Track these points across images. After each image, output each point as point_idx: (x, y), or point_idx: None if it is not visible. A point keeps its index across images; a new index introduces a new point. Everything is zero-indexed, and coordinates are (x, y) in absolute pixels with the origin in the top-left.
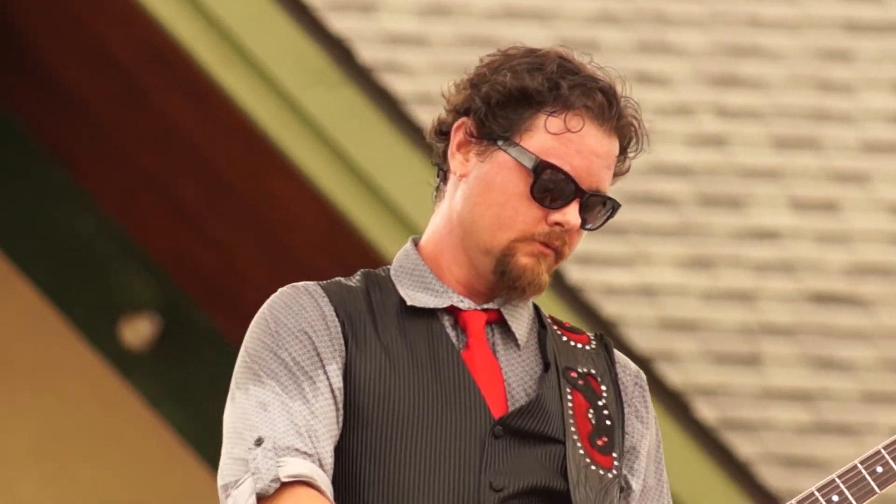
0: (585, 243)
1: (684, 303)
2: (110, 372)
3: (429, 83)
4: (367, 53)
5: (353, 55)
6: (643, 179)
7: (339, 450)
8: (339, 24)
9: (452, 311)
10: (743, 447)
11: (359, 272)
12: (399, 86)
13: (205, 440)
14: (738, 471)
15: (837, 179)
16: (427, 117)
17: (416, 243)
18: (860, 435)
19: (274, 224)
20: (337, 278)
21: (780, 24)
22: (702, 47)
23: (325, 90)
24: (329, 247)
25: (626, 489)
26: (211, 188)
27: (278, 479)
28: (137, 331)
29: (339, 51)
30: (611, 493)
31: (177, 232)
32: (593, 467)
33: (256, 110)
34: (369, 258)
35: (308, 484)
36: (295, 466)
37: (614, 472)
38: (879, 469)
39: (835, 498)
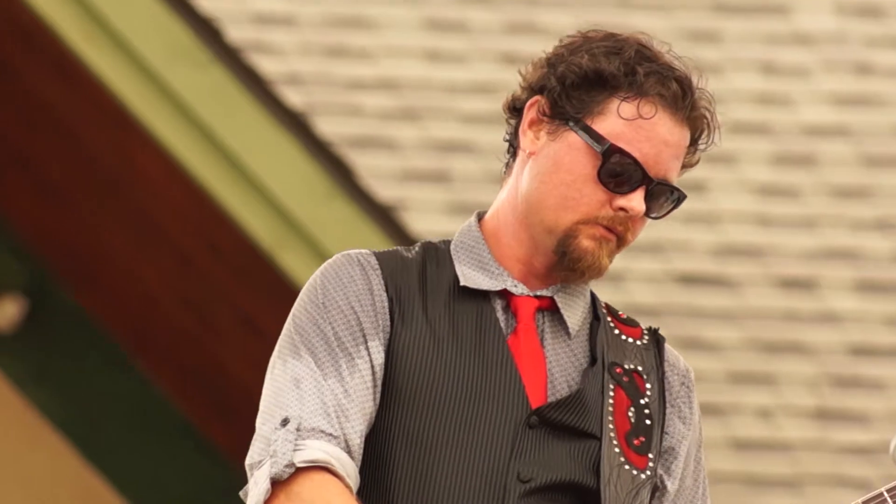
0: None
1: None
2: None
3: (296, 63)
4: (235, 33)
5: (221, 34)
6: None
7: (375, 426)
8: (207, 2)
9: (505, 294)
10: None
11: (419, 243)
12: (266, 66)
13: (71, 422)
14: None
15: (705, 160)
16: (294, 98)
17: (480, 217)
18: (727, 415)
19: (141, 203)
20: (396, 248)
21: (650, 6)
22: (571, 28)
23: (192, 69)
24: (196, 226)
25: (660, 489)
26: (78, 166)
27: (293, 464)
28: (3, 312)
29: (206, 30)
30: (641, 495)
31: (43, 211)
32: (627, 467)
33: (122, 88)
34: (236, 237)
35: (325, 469)
36: (312, 451)
37: (648, 472)
38: None
39: None
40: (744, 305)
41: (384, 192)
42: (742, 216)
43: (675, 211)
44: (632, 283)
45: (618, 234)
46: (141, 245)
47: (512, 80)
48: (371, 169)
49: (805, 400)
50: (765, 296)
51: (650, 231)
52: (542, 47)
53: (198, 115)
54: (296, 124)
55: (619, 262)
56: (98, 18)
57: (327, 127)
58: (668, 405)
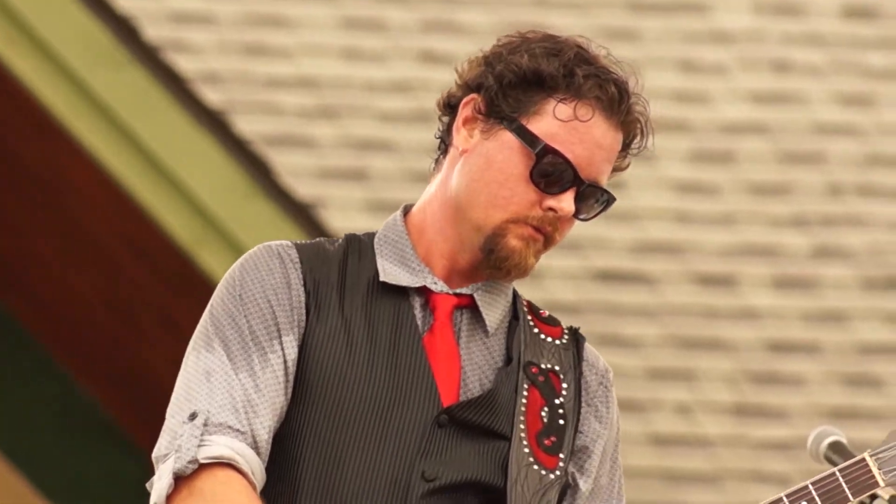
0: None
1: None
2: None
3: (214, 62)
4: (153, 32)
5: (139, 34)
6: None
7: (284, 422)
8: (125, 2)
9: (424, 291)
10: None
11: (344, 235)
12: (185, 65)
13: None
14: None
15: None
16: (213, 96)
17: (406, 212)
18: (646, 411)
19: (65, 204)
20: (320, 239)
21: (568, 4)
22: (488, 26)
23: (110, 70)
24: (119, 227)
25: (572, 488)
26: (3, 170)
27: (196, 460)
28: None
29: (124, 29)
30: (549, 495)
31: None
32: (535, 467)
33: (43, 91)
34: (158, 238)
35: (230, 465)
36: (217, 447)
37: (557, 472)
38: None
39: None
40: (662, 302)
41: (303, 189)
42: (660, 213)
43: None
44: (550, 280)
45: (546, 234)
46: (67, 247)
47: (430, 79)
48: (290, 167)
49: (724, 396)
50: (683, 292)
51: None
52: (461, 46)
53: (117, 115)
54: (215, 123)
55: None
56: (19, 22)
57: (245, 125)
58: (584, 404)
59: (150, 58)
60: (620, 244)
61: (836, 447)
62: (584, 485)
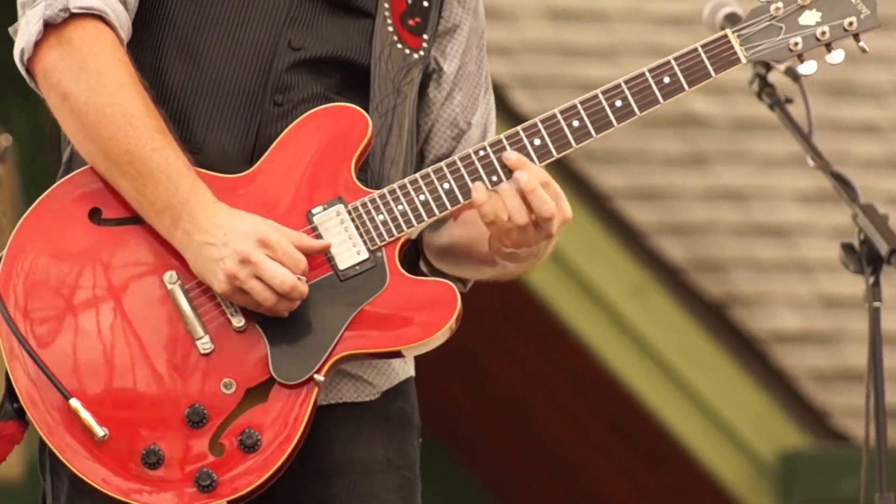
0: None
1: None
2: None
3: None
4: None
5: None
6: None
7: None
8: None
9: None
10: None
11: None
12: None
13: None
14: None
15: None
16: None
17: None
18: None
19: None
20: None
21: None
22: None
23: None
24: None
25: (437, 71)
26: None
27: (67, 8)
28: None
29: None
30: (412, 74)
31: None
32: (399, 46)
33: None
34: None
35: (100, 18)
36: None
37: (421, 53)
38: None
39: (575, 123)
40: None
41: None
42: None
43: None
44: None
45: None
46: None
47: None
48: None
49: None
50: None
51: None
52: None
53: None
54: None
55: None
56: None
57: None
58: None
59: None
60: None
61: (732, 18)
62: (447, 67)
